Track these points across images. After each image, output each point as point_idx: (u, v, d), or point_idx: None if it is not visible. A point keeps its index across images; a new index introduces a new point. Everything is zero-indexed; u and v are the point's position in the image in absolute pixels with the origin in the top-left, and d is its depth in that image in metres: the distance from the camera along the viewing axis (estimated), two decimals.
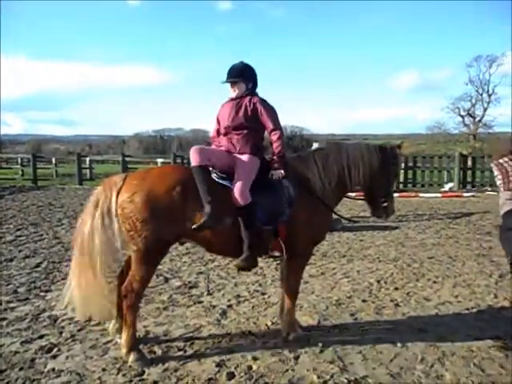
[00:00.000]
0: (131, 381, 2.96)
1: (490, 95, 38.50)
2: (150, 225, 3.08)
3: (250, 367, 3.16)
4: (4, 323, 3.83)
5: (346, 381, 3.00)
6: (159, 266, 4.32)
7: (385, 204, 3.66)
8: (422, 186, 17.41)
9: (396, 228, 8.81)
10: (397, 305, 4.47)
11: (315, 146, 9.86)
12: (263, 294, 4.76)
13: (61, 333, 3.67)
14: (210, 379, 2.99)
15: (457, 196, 14.76)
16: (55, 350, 3.38)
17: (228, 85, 3.55)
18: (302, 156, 3.74)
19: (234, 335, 3.68)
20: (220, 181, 3.32)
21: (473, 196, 14.80)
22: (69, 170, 22.68)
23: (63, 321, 3.92)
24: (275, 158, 3.44)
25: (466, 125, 39.47)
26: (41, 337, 3.59)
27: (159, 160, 20.59)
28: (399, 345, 3.53)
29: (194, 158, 3.24)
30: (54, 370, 3.09)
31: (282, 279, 3.77)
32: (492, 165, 3.89)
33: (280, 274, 3.93)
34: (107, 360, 3.24)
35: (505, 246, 3.84)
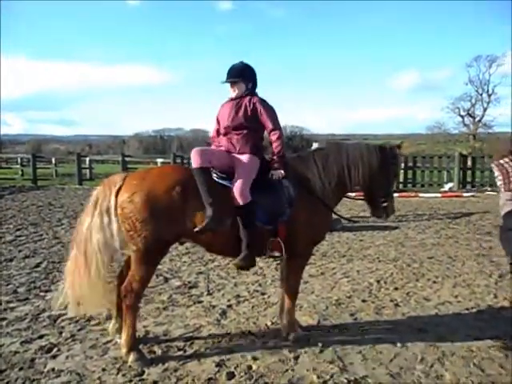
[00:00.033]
0: (131, 381, 2.96)
1: (489, 95, 38.57)
2: (150, 225, 3.08)
3: (249, 367, 3.16)
4: (4, 323, 3.83)
5: (345, 381, 3.00)
6: (159, 266, 4.32)
7: (385, 204, 3.66)
8: (422, 186, 17.41)
9: (396, 228, 8.81)
10: (396, 305, 4.47)
11: (315, 146, 9.86)
12: (263, 293, 4.76)
13: (61, 333, 3.67)
14: (209, 379, 2.99)
15: (456, 196, 14.77)
16: (55, 349, 3.38)
17: (228, 85, 3.55)
18: (301, 156, 3.74)
19: (234, 335, 3.68)
20: (220, 181, 3.32)
21: (472, 196, 14.80)
22: (69, 169, 22.68)
23: (63, 321, 3.92)
24: (275, 157, 3.44)
25: (465, 125, 39.51)
26: (41, 337, 3.59)
27: (159, 160, 20.59)
28: (399, 345, 3.53)
29: (195, 160, 3.23)
30: (53, 369, 3.09)
31: (282, 279, 3.77)
32: (492, 165, 3.90)
33: (280, 273, 3.93)
34: (107, 360, 3.24)
35: (505, 246, 3.84)
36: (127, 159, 20.12)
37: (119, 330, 3.39)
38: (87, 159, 22.10)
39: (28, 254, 6.24)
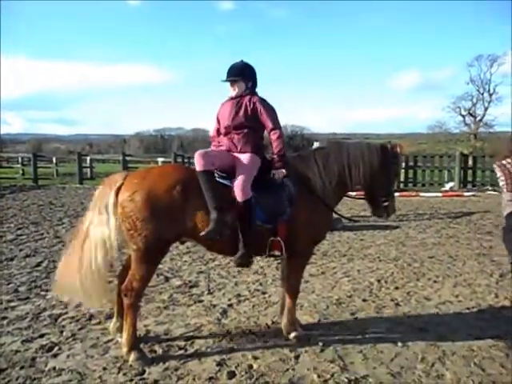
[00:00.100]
0: (132, 380, 2.96)
1: (490, 94, 38.59)
2: (151, 224, 3.08)
3: (250, 366, 3.16)
4: (5, 322, 3.84)
5: (346, 380, 3.00)
6: (160, 265, 4.32)
7: (385, 203, 3.65)
8: (423, 185, 17.39)
9: (396, 227, 8.81)
10: (397, 304, 4.47)
11: (316, 145, 9.86)
12: (264, 293, 4.76)
13: (61, 332, 3.68)
14: (210, 378, 2.99)
15: (457, 195, 14.76)
16: (56, 348, 3.38)
17: (228, 84, 3.55)
18: (302, 155, 3.74)
19: (235, 334, 3.68)
20: (220, 180, 3.32)
21: (473, 195, 14.79)
22: (69, 169, 22.68)
23: (64, 320, 3.92)
24: (276, 157, 3.44)
25: (466, 124, 39.53)
26: (41, 336, 3.59)
27: (160, 159, 20.58)
28: (400, 344, 3.53)
29: (198, 163, 3.22)
30: (54, 368, 3.09)
31: (283, 278, 3.77)
32: (494, 166, 3.89)
33: (280, 273, 3.93)
34: (108, 359, 3.24)
35: (508, 246, 3.84)
36: (128, 158, 20.11)
37: (120, 329, 3.39)
38: (88, 158, 22.12)
39: (29, 253, 6.25)
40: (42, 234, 7.70)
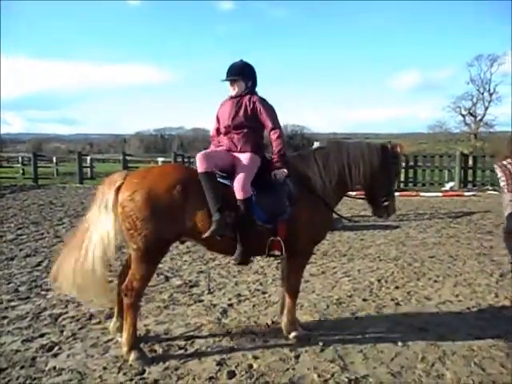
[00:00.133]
0: (132, 379, 2.96)
1: (491, 94, 38.57)
2: (151, 223, 3.08)
3: (250, 366, 3.16)
4: (5, 322, 3.84)
5: (346, 380, 3.00)
6: (160, 265, 4.32)
7: (385, 203, 3.65)
8: (423, 185, 17.37)
9: (397, 227, 8.80)
10: (397, 304, 4.47)
11: (316, 144, 9.86)
12: (264, 293, 4.76)
13: (62, 331, 3.68)
14: (210, 378, 2.99)
15: (458, 195, 14.75)
16: (56, 348, 3.38)
17: (228, 83, 3.55)
18: (302, 155, 3.74)
19: (235, 334, 3.68)
20: (221, 180, 3.32)
21: (474, 195, 14.78)
22: (70, 168, 22.68)
23: (64, 319, 3.92)
24: (276, 156, 3.44)
25: (467, 124, 39.52)
26: (42, 335, 3.60)
27: (160, 159, 20.58)
28: (400, 344, 3.53)
29: (200, 165, 3.22)
30: (54, 368, 3.09)
31: (283, 278, 3.77)
32: (495, 166, 3.90)
33: (281, 273, 3.93)
34: (108, 359, 3.24)
35: (509, 246, 3.84)
36: (128, 158, 20.10)
37: (120, 329, 3.39)
38: (88, 158, 22.12)
39: (29, 253, 6.25)
40: (43, 233, 7.71)
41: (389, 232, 8.34)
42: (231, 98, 3.56)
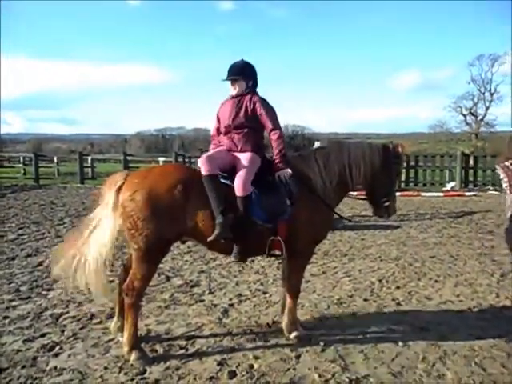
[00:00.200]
0: (133, 379, 2.97)
1: (492, 94, 38.49)
2: (151, 223, 3.09)
3: (251, 366, 3.16)
4: (6, 321, 3.84)
5: (347, 380, 3.00)
6: (161, 265, 4.32)
7: (386, 203, 3.65)
8: (424, 185, 17.37)
9: (398, 227, 8.80)
10: (398, 304, 4.47)
11: (317, 144, 9.86)
12: (265, 292, 4.76)
13: (63, 331, 3.68)
14: (211, 378, 3.00)
15: (459, 195, 14.74)
16: (57, 348, 3.39)
17: (228, 83, 3.55)
18: (303, 155, 3.74)
19: (236, 334, 3.68)
20: (222, 180, 3.32)
21: (475, 195, 14.77)
22: (71, 168, 22.71)
23: (65, 319, 3.93)
24: (278, 157, 3.44)
25: (467, 124, 39.45)
26: (43, 335, 3.60)
27: (161, 159, 20.59)
28: (401, 344, 3.53)
29: (204, 168, 3.21)
30: (55, 368, 3.09)
31: (284, 278, 3.77)
32: (497, 167, 3.89)
33: (281, 273, 3.93)
34: (109, 358, 3.24)
35: (511, 247, 3.83)
36: (129, 158, 20.12)
37: (121, 329, 3.39)
38: (89, 158, 22.14)
39: (30, 253, 6.26)
40: (44, 233, 7.71)
41: (390, 232, 8.34)
42: (232, 97, 3.56)
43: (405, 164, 16.42)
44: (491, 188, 16.30)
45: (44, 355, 3.28)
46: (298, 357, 3.30)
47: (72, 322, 3.86)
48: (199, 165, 3.27)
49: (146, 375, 3.02)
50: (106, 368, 3.10)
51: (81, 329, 3.74)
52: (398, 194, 5.72)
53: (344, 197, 3.76)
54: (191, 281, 5.15)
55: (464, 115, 39.14)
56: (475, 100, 38.80)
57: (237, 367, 3.14)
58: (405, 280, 5.29)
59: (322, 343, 3.49)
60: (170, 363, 3.18)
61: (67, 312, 4.08)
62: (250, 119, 3.45)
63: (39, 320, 3.90)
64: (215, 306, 4.34)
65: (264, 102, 3.50)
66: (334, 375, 3.05)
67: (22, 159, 24.01)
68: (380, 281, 5.23)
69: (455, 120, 39.37)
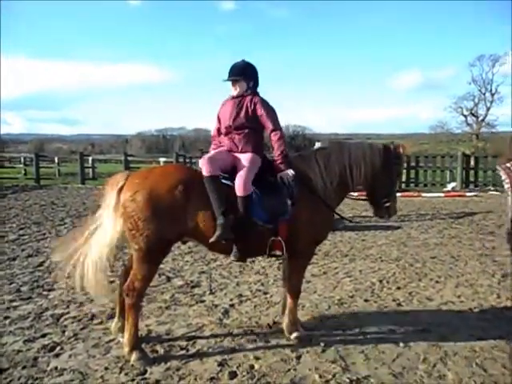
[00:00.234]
0: (133, 380, 2.97)
1: (492, 94, 38.47)
2: (152, 224, 3.09)
3: (252, 366, 3.16)
4: (7, 322, 3.84)
5: (348, 380, 3.00)
6: (161, 265, 4.32)
7: (387, 204, 3.65)
8: (425, 185, 17.37)
9: (398, 228, 8.79)
10: (399, 304, 4.46)
11: (317, 145, 9.85)
12: (265, 293, 4.76)
13: (63, 331, 3.68)
14: (212, 378, 3.00)
15: (459, 196, 14.73)
16: (58, 348, 3.39)
17: (229, 83, 3.55)
18: (303, 155, 3.74)
19: (236, 334, 3.68)
20: (223, 180, 3.32)
21: (475, 196, 14.76)
22: (71, 169, 22.73)
23: (66, 319, 3.93)
24: (280, 158, 3.43)
25: (468, 124, 39.42)
26: (43, 335, 3.60)
27: (162, 159, 20.62)
28: (401, 344, 3.53)
29: (205, 169, 3.22)
30: (56, 368, 3.09)
31: (284, 279, 3.77)
32: (499, 169, 3.89)
33: (282, 273, 3.93)
34: (110, 359, 3.24)
35: None
36: (130, 158, 20.15)
37: (122, 329, 3.39)
38: (90, 158, 22.17)
39: (31, 253, 6.26)
40: (44, 233, 7.72)
41: (390, 232, 8.33)
42: (233, 97, 3.56)
43: (405, 164, 16.41)
44: (492, 188, 16.28)
45: (45, 355, 3.28)
46: (298, 357, 3.30)
47: (73, 323, 3.86)
48: (200, 166, 3.28)
49: (147, 376, 3.02)
50: (106, 368, 3.11)
51: (81, 329, 3.74)
52: (398, 194, 5.73)
53: (345, 197, 3.76)
54: (192, 281, 5.15)
55: (465, 116, 39.15)
56: (476, 100, 38.83)
57: (237, 368, 3.14)
58: (405, 281, 5.28)
59: (322, 344, 3.49)
60: (170, 364, 3.18)
61: (68, 312, 4.08)
62: (251, 120, 3.45)
63: (40, 320, 3.90)
64: (216, 306, 4.33)
65: (265, 102, 3.50)
66: (334, 376, 3.05)
67: (22, 159, 24.05)
68: (381, 281, 5.23)
69: (456, 120, 39.40)
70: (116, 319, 3.56)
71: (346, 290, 4.88)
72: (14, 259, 5.93)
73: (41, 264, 5.72)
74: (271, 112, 3.49)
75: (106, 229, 3.23)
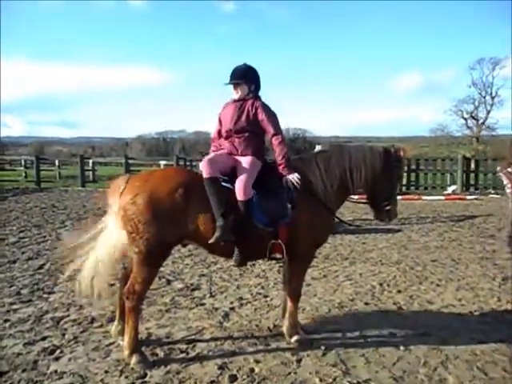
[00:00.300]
0: (133, 383, 2.96)
1: (493, 98, 38.45)
2: (153, 227, 3.09)
3: (252, 370, 3.15)
4: (7, 325, 3.84)
5: None
6: (161, 268, 4.32)
7: (387, 207, 3.65)
8: (425, 188, 17.38)
9: (399, 231, 8.79)
10: (400, 308, 4.46)
11: (318, 148, 9.85)
12: (266, 296, 4.75)
13: (63, 335, 3.68)
14: (212, 382, 2.99)
15: (460, 199, 14.71)
16: (58, 351, 3.38)
17: (231, 86, 3.56)
18: (304, 158, 3.74)
19: (237, 338, 3.67)
20: (223, 183, 3.32)
21: (476, 199, 14.75)
22: (72, 172, 22.74)
23: (66, 323, 3.92)
24: (283, 162, 3.43)
25: (469, 127, 39.41)
26: (43, 338, 3.60)
27: (162, 162, 20.65)
28: (402, 348, 3.52)
29: (205, 170, 3.22)
30: (56, 371, 3.09)
31: (285, 282, 3.77)
32: (501, 174, 3.90)
33: (282, 276, 3.92)
34: (110, 362, 3.24)
35: None
36: (130, 161, 20.16)
37: (122, 332, 3.39)
38: (90, 161, 22.21)
39: (31, 256, 6.26)
40: (45, 236, 7.72)
41: (391, 235, 8.33)
42: (234, 101, 3.57)
43: (406, 168, 16.43)
44: (492, 192, 16.27)
45: (45, 359, 3.27)
46: (299, 361, 3.29)
47: (73, 326, 3.86)
48: (200, 167, 3.28)
49: (147, 379, 3.02)
50: (106, 372, 3.10)
51: (81, 332, 3.73)
52: (399, 197, 5.73)
53: (345, 200, 3.76)
54: (192, 284, 5.14)
55: (465, 119, 39.16)
56: (476, 104, 38.83)
57: (238, 371, 3.13)
58: (406, 284, 5.27)
59: (323, 347, 3.48)
60: (170, 367, 3.17)
61: (68, 315, 4.08)
62: (252, 124, 3.46)
63: (40, 323, 3.90)
64: (216, 309, 4.33)
65: (266, 107, 3.51)
66: (335, 379, 3.04)
67: (23, 162, 24.11)
68: (381, 284, 5.22)
69: (456, 123, 39.42)
70: (116, 322, 3.55)
71: (347, 293, 4.88)
72: (15, 262, 5.92)
73: (41, 267, 5.72)
74: (272, 116, 3.50)
75: (111, 233, 3.24)
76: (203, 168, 3.24)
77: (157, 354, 3.37)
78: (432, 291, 5.00)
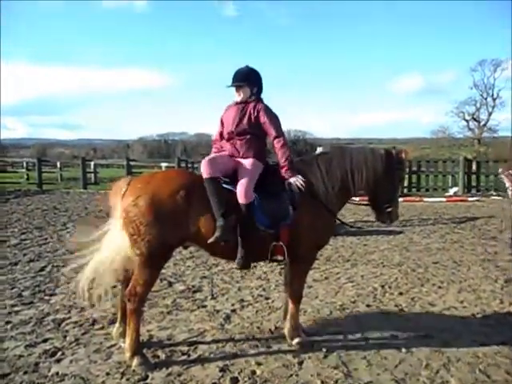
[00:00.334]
0: None
1: (494, 99, 38.43)
2: (154, 229, 3.09)
3: (253, 372, 3.15)
4: (8, 327, 3.84)
5: None
6: (163, 270, 4.32)
7: (389, 209, 3.64)
8: (427, 190, 17.35)
9: (400, 233, 8.77)
10: (401, 310, 4.45)
11: (319, 150, 9.86)
12: (267, 298, 4.75)
13: (65, 337, 3.68)
14: None
15: (461, 200, 14.68)
16: (59, 353, 3.38)
17: (233, 88, 3.56)
18: (305, 160, 3.74)
19: (238, 340, 3.67)
20: (224, 185, 3.32)
21: (477, 200, 14.71)
22: (74, 174, 22.76)
23: (67, 325, 3.92)
24: (286, 165, 3.43)
25: (470, 129, 39.38)
26: (45, 340, 3.60)
27: (163, 164, 20.65)
28: (404, 350, 3.51)
29: (205, 170, 3.23)
30: (57, 373, 3.09)
31: (286, 284, 3.77)
32: (502, 175, 3.90)
33: (284, 278, 3.92)
34: (111, 364, 3.24)
35: None
36: (132, 163, 20.14)
37: (123, 334, 3.39)
38: (92, 163, 22.20)
39: (33, 258, 6.26)
40: (46, 238, 7.73)
41: (392, 237, 8.32)
42: (236, 103, 3.57)
43: (407, 169, 16.41)
44: (494, 193, 16.23)
45: (46, 361, 3.27)
46: (300, 363, 3.29)
47: (74, 328, 3.86)
48: (201, 167, 3.29)
49: (148, 381, 3.01)
50: (107, 374, 3.10)
51: (83, 334, 3.73)
52: (400, 199, 5.72)
53: (346, 202, 3.76)
54: (193, 286, 5.14)
55: (466, 120, 39.13)
56: (478, 105, 38.81)
57: (239, 373, 3.13)
58: (408, 286, 5.26)
59: (324, 349, 3.48)
60: (172, 369, 3.17)
61: (69, 317, 4.08)
62: (254, 126, 3.46)
63: (41, 325, 3.90)
64: (217, 311, 4.33)
65: (268, 109, 3.51)
66: (336, 382, 3.04)
67: (25, 164, 24.15)
68: (383, 286, 5.21)
69: (458, 125, 39.39)
70: (117, 324, 3.55)
71: (348, 296, 4.87)
72: (16, 264, 5.93)
73: (42, 269, 5.72)
74: (274, 119, 3.50)
75: (115, 236, 3.25)
76: (203, 168, 3.24)
77: (158, 356, 3.37)
78: (434, 293, 4.99)
